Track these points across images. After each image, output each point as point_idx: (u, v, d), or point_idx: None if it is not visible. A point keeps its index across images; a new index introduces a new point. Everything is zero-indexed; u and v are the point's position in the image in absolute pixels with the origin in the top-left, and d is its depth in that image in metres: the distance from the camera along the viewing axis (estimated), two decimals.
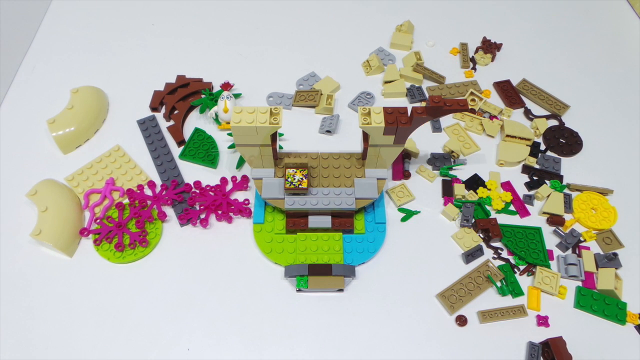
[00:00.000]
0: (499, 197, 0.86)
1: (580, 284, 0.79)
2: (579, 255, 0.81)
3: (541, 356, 0.72)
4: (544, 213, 0.85)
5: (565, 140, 0.95)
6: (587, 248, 0.81)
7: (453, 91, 1.02)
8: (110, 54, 1.08)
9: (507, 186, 0.89)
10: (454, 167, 0.90)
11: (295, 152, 0.81)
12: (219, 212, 0.83)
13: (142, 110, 0.99)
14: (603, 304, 0.76)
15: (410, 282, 0.79)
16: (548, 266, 0.79)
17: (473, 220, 0.84)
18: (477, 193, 0.87)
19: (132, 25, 1.13)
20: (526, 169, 0.91)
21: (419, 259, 0.81)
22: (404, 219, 0.85)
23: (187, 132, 0.95)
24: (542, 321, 0.74)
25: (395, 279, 0.79)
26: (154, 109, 0.98)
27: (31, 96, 1.01)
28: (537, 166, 0.91)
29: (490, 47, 1.08)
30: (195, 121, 0.97)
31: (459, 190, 0.87)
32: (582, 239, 0.82)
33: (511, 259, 0.81)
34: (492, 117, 0.97)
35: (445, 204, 0.86)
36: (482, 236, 0.83)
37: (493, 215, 0.86)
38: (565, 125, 0.97)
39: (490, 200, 0.86)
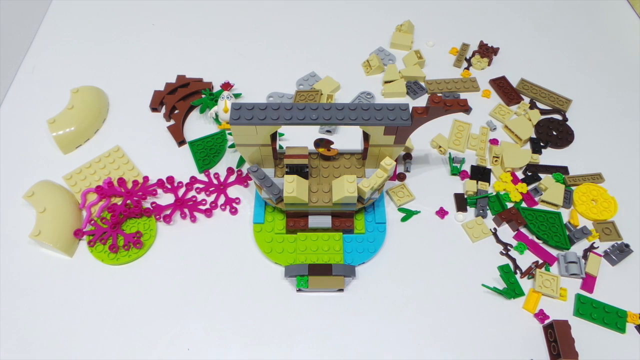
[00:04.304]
0: (515, 189, 0.87)
1: (580, 281, 0.79)
2: (586, 259, 0.81)
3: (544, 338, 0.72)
4: (542, 201, 0.86)
5: (557, 133, 0.96)
6: (599, 255, 0.81)
7: (450, 86, 1.03)
8: (111, 54, 1.08)
9: (514, 177, 0.90)
10: (458, 163, 0.91)
11: (294, 146, 0.79)
12: (185, 210, 0.84)
13: (142, 110, 0.99)
14: (603, 312, 0.75)
15: (410, 282, 0.78)
16: (568, 248, 0.81)
17: (488, 210, 0.85)
18: (483, 186, 0.88)
19: (132, 25, 1.14)
20: (531, 167, 0.91)
21: (419, 259, 0.81)
22: (404, 219, 0.85)
23: (188, 132, 0.95)
24: (542, 316, 0.75)
25: (396, 278, 0.79)
26: (154, 109, 0.98)
27: (31, 96, 1.01)
28: (541, 162, 0.92)
29: (487, 51, 1.08)
30: (195, 121, 0.97)
31: (471, 186, 0.87)
32: (595, 245, 0.83)
33: (517, 259, 0.81)
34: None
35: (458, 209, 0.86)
36: (492, 230, 0.83)
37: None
38: (565, 122, 0.98)
39: (508, 196, 0.86)
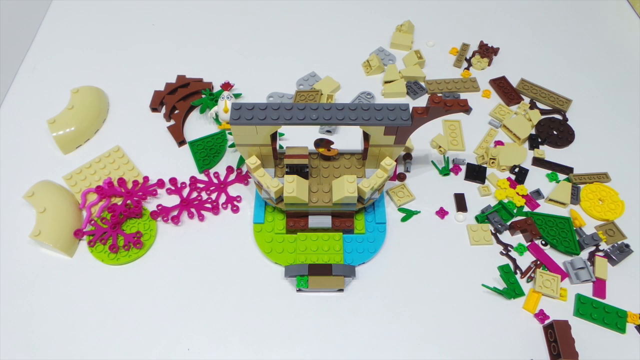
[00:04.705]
0: (515, 193, 0.87)
1: (591, 288, 0.78)
2: (592, 262, 0.80)
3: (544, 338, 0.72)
4: (550, 200, 0.86)
5: (557, 133, 0.96)
6: (604, 257, 0.81)
7: (450, 86, 1.03)
8: (111, 53, 1.08)
9: (512, 182, 0.89)
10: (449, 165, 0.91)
11: (294, 146, 0.79)
12: (192, 210, 0.84)
13: (142, 110, 0.99)
14: (603, 312, 0.75)
15: (410, 282, 0.78)
16: (578, 254, 0.80)
17: (508, 223, 0.84)
18: (485, 189, 0.88)
19: (132, 25, 1.14)
20: (537, 162, 0.92)
21: (419, 259, 0.81)
22: (404, 219, 0.85)
23: (188, 132, 0.95)
24: (542, 316, 0.75)
25: (395, 278, 0.79)
26: (154, 109, 0.98)
27: (31, 96, 1.01)
28: (546, 158, 0.93)
29: (487, 52, 1.08)
30: (195, 121, 0.97)
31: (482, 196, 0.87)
32: (600, 247, 0.82)
33: (517, 259, 0.81)
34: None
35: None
36: (492, 230, 0.83)
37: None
38: (565, 122, 0.98)
39: (513, 204, 0.85)
